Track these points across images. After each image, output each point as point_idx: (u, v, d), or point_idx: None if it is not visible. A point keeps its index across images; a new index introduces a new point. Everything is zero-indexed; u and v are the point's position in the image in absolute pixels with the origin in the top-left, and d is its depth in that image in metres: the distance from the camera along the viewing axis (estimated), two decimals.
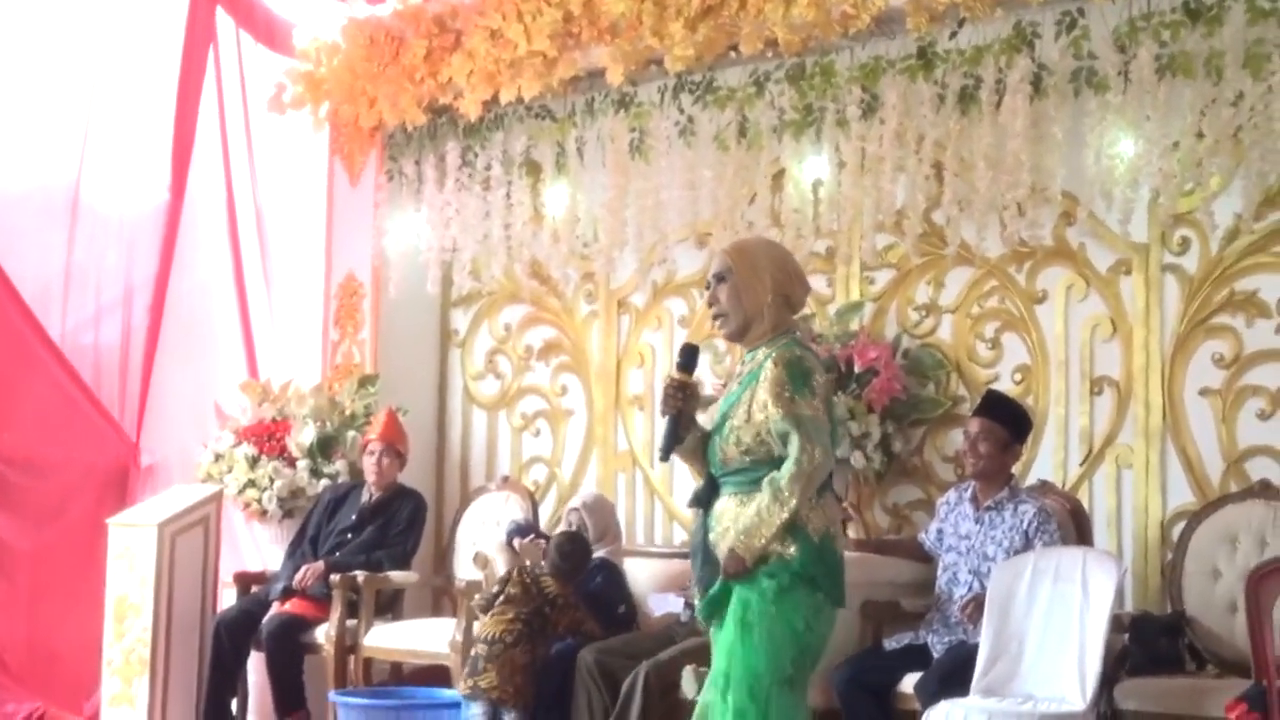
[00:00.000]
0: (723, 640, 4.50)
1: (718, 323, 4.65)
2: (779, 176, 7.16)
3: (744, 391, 4.51)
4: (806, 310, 7.14)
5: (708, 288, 4.68)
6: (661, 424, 4.69)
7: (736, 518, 4.47)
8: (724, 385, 4.82)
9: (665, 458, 4.69)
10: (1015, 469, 6.20)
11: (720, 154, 7.21)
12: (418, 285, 8.19)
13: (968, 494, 6.11)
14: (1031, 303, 6.76)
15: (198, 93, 8.46)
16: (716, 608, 4.55)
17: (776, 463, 4.45)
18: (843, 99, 6.85)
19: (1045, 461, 6.64)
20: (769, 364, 4.45)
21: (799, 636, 4.43)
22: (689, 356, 4.64)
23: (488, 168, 7.99)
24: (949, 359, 6.94)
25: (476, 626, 6.47)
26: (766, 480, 4.41)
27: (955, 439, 6.73)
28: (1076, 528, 6.14)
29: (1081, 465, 6.58)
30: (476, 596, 6.53)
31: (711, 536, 4.55)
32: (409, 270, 8.23)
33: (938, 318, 7.02)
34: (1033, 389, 6.73)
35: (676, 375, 4.60)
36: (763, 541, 4.38)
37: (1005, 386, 6.69)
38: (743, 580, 4.43)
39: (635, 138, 7.53)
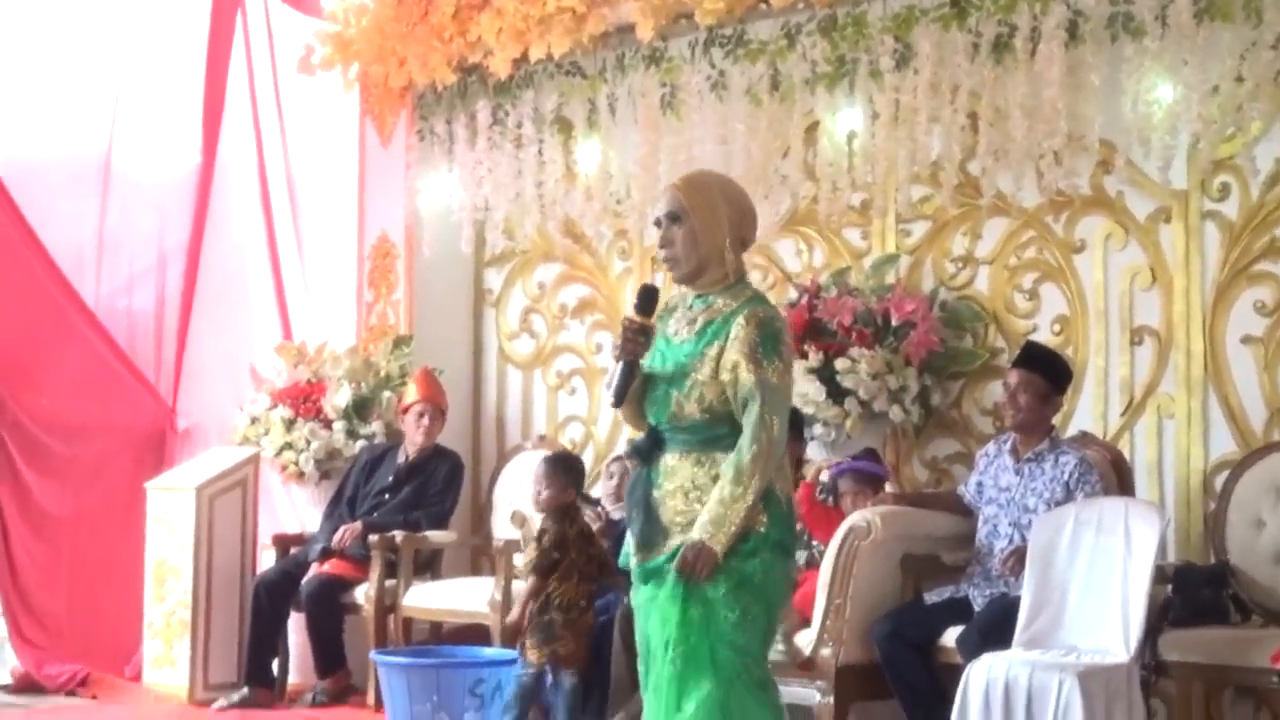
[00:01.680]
0: (688, 620, 4.13)
1: (668, 265, 4.32)
2: (812, 129, 7.09)
3: (707, 345, 4.19)
4: (843, 263, 7.19)
5: (658, 225, 4.30)
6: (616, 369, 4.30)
7: (693, 485, 4.18)
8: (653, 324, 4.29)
9: (619, 404, 4.34)
10: (1055, 420, 6.15)
11: (753, 108, 7.14)
12: (451, 245, 8.17)
13: (1007, 446, 6.06)
14: (1070, 252, 6.69)
15: (227, 57, 8.49)
16: (657, 574, 4.23)
17: (733, 423, 4.17)
18: (875, 50, 6.76)
19: (1086, 412, 6.58)
20: (739, 321, 4.15)
21: (777, 606, 4.27)
22: (648, 298, 4.30)
23: (519, 126, 7.93)
24: (986, 311, 6.88)
25: (527, 587, 6.16)
26: (727, 463, 4.12)
27: (994, 391, 6.68)
28: (1118, 478, 6.09)
29: (1122, 415, 6.52)
30: (533, 556, 6.27)
31: (657, 493, 4.24)
32: (442, 230, 8.21)
33: (975, 269, 6.96)
34: (1072, 339, 6.67)
35: (636, 318, 4.28)
36: (733, 528, 4.08)
37: (1044, 337, 6.63)
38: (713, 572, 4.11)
39: (666, 93, 7.46)
